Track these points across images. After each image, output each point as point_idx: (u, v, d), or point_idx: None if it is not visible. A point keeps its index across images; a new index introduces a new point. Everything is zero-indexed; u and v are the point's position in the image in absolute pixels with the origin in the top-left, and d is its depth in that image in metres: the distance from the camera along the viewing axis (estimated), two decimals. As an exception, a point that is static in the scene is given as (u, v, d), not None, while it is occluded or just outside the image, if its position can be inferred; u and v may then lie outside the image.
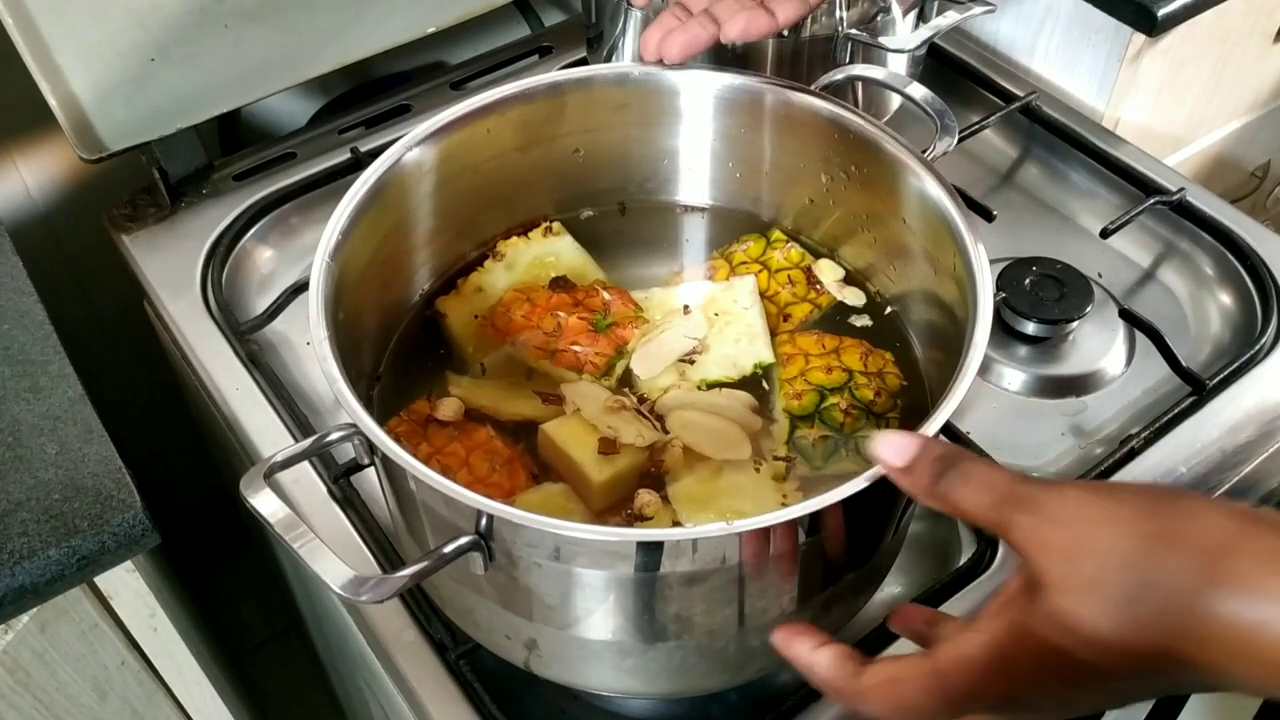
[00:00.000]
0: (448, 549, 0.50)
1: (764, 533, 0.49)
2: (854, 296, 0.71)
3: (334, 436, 0.54)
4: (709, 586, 0.51)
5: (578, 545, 0.50)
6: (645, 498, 0.61)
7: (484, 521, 0.50)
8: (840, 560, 0.56)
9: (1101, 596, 0.40)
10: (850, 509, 0.50)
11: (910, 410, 0.65)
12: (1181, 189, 0.92)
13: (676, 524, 0.60)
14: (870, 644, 0.66)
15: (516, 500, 0.61)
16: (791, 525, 0.49)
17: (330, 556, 0.49)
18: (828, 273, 0.72)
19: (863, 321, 0.71)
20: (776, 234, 0.74)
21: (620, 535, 0.51)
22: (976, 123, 0.99)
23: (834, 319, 0.71)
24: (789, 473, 0.63)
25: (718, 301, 0.71)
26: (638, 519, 0.60)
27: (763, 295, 0.71)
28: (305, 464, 0.75)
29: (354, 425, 0.52)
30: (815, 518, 0.50)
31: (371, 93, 1.09)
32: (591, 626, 0.55)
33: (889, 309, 0.71)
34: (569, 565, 0.51)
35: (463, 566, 0.52)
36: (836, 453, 0.63)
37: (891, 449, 0.48)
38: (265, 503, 0.51)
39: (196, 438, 1.06)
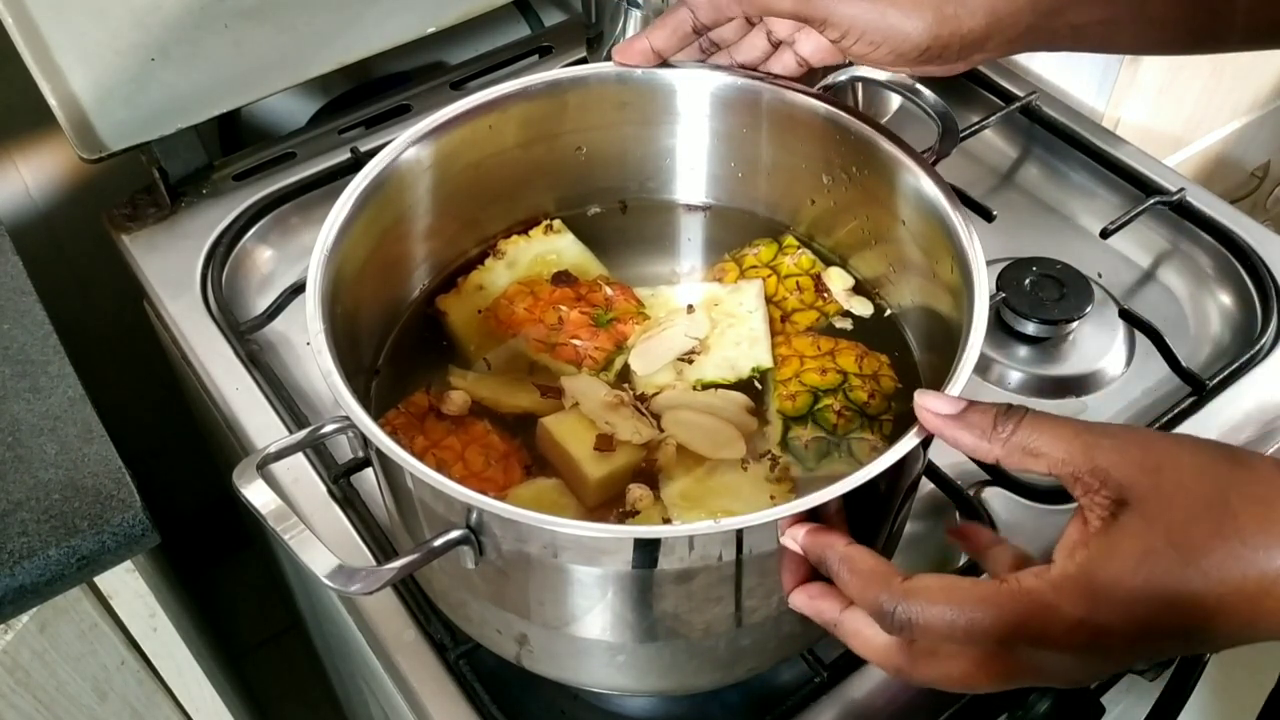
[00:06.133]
0: (437, 543, 0.50)
1: (752, 531, 0.49)
2: (861, 306, 0.71)
3: (328, 429, 0.54)
4: (698, 585, 0.51)
5: (567, 541, 0.50)
6: (637, 493, 0.61)
7: (473, 516, 0.50)
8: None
9: (1186, 499, 0.42)
10: (841, 508, 0.50)
11: (905, 414, 0.65)
12: (1181, 189, 0.92)
13: (666, 521, 0.60)
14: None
15: (508, 495, 0.61)
16: (779, 524, 0.49)
17: (320, 547, 0.49)
18: (837, 281, 0.72)
19: (844, 324, 0.70)
20: (789, 239, 0.74)
21: (609, 531, 0.50)
22: (976, 123, 0.99)
23: (831, 319, 0.71)
24: (781, 473, 0.63)
25: (724, 303, 0.71)
26: (630, 515, 0.60)
27: (770, 300, 0.71)
28: (306, 464, 0.75)
29: (348, 417, 0.52)
30: (805, 517, 0.50)
31: (371, 93, 1.09)
32: (581, 623, 0.55)
33: (888, 311, 0.71)
34: (558, 561, 0.51)
35: (455, 561, 0.52)
36: (830, 454, 0.63)
37: (938, 401, 0.49)
38: (257, 493, 0.51)
39: (196, 438, 1.06)
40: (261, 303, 0.88)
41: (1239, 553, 0.41)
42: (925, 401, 0.49)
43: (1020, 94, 1.01)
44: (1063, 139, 0.98)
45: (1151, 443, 0.44)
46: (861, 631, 0.49)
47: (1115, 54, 0.89)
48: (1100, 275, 0.89)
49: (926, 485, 0.74)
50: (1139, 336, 0.84)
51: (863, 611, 0.48)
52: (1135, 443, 0.44)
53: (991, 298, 0.83)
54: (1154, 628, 0.42)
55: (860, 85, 0.89)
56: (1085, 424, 0.46)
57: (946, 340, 0.60)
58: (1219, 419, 0.79)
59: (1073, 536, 0.44)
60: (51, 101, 0.85)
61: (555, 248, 0.74)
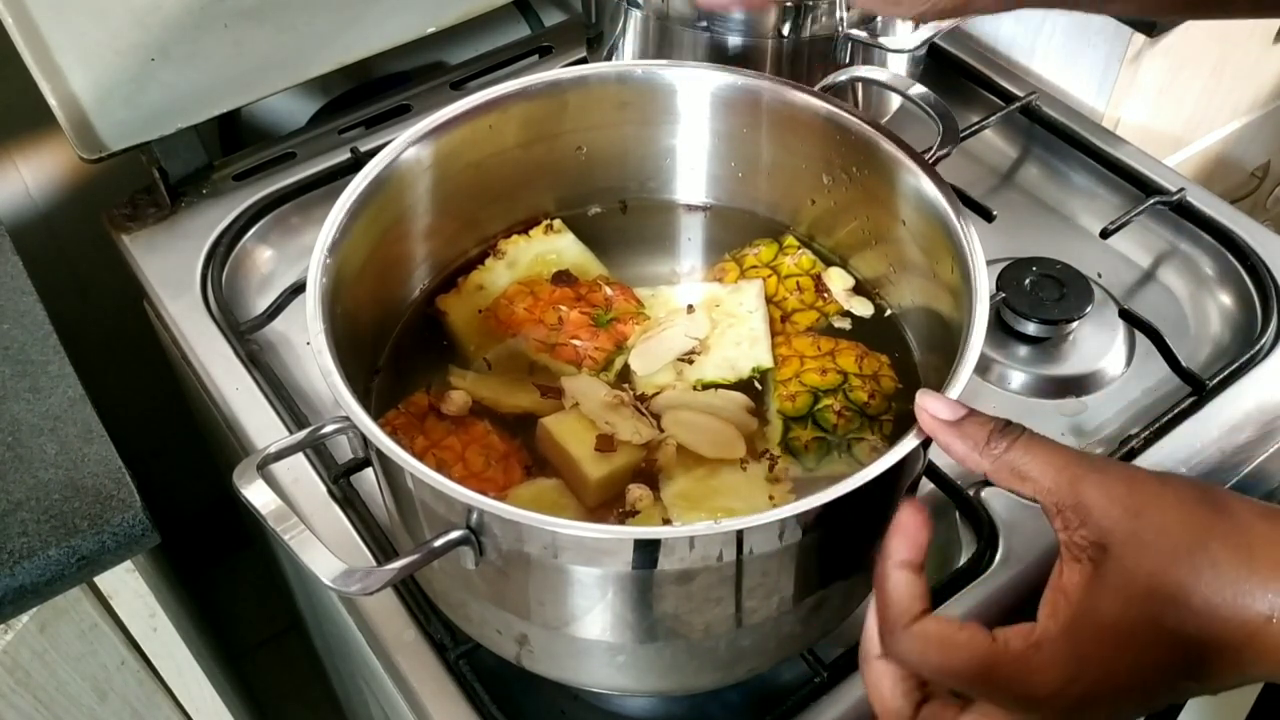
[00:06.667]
0: (437, 543, 0.50)
1: (752, 532, 0.49)
2: (861, 306, 0.71)
3: (328, 429, 0.54)
4: (698, 585, 0.51)
5: (568, 541, 0.50)
6: (637, 493, 0.61)
7: (474, 516, 0.50)
8: (832, 561, 0.56)
9: (1168, 544, 0.42)
10: (841, 509, 0.50)
11: (905, 414, 0.65)
12: (1181, 189, 0.92)
13: (666, 522, 0.60)
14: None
15: (508, 495, 0.61)
16: (779, 525, 0.49)
17: (320, 548, 0.49)
18: (837, 281, 0.72)
19: (844, 324, 0.70)
20: (789, 239, 0.74)
21: (609, 532, 0.50)
22: (976, 123, 0.99)
23: (831, 319, 0.71)
24: (781, 473, 0.62)
25: (724, 303, 0.71)
26: (630, 516, 0.60)
27: (770, 300, 0.71)
28: (306, 464, 0.75)
29: (348, 417, 0.52)
30: (805, 518, 0.50)
31: (371, 93, 1.09)
32: (581, 623, 0.55)
33: (888, 311, 0.71)
34: (558, 561, 0.51)
35: (455, 561, 0.52)
36: (830, 454, 0.63)
37: (939, 404, 0.49)
38: (257, 493, 0.51)
39: (196, 438, 1.06)
40: (261, 303, 0.88)
41: (1218, 602, 0.41)
42: (926, 403, 0.49)
43: (1020, 94, 1.01)
44: (1063, 139, 0.98)
45: (1137, 483, 0.44)
46: (880, 684, 0.49)
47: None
48: (1100, 275, 0.89)
49: (926, 485, 0.74)
50: (1139, 336, 0.84)
51: (889, 666, 0.49)
52: (1121, 481, 0.44)
53: (991, 298, 0.83)
54: (1139, 681, 0.42)
55: (860, 85, 0.89)
56: (1077, 455, 0.46)
57: (947, 340, 0.60)
58: (1219, 419, 0.79)
59: (1055, 588, 0.45)
60: (51, 101, 0.84)
61: (555, 248, 0.74)
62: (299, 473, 0.75)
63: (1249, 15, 0.64)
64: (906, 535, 0.49)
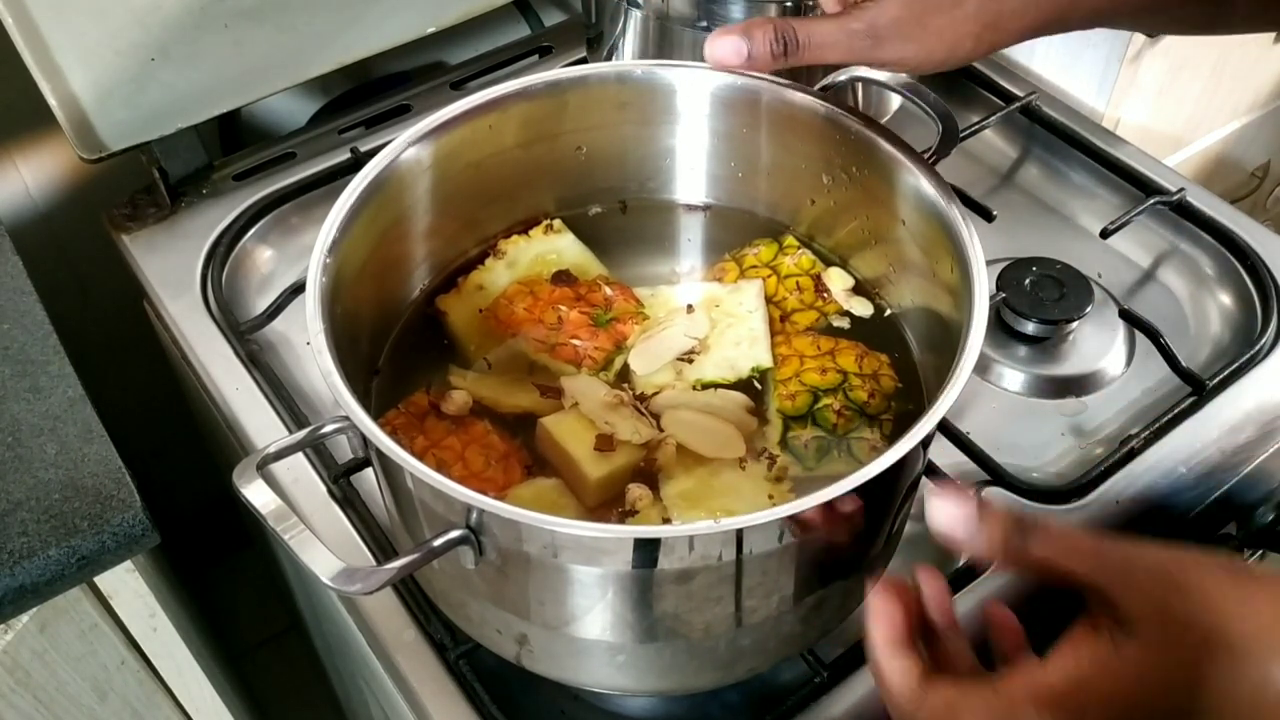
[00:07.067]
0: (437, 543, 0.50)
1: (752, 531, 0.49)
2: (861, 306, 0.71)
3: (328, 429, 0.54)
4: (698, 585, 0.51)
5: (567, 541, 0.50)
6: (636, 492, 0.61)
7: (473, 516, 0.50)
8: (832, 561, 0.56)
9: (1191, 638, 0.42)
10: (840, 508, 0.50)
11: (906, 413, 0.65)
12: (1181, 189, 0.92)
13: (666, 521, 0.60)
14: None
15: (508, 495, 0.61)
16: (779, 524, 0.49)
17: (320, 547, 0.49)
18: (837, 281, 0.72)
19: (842, 324, 0.70)
20: (789, 239, 0.74)
21: (609, 531, 0.50)
22: (976, 123, 0.99)
23: (830, 319, 0.71)
24: (780, 472, 0.62)
25: (724, 303, 0.71)
26: (629, 515, 0.60)
27: (770, 300, 0.71)
28: (306, 464, 0.75)
29: (348, 417, 0.52)
30: (804, 517, 0.50)
31: (371, 93, 1.09)
32: (581, 623, 0.55)
33: (888, 311, 0.71)
34: (558, 561, 0.51)
35: (455, 561, 0.52)
36: (829, 454, 0.63)
37: (953, 522, 0.48)
38: (257, 493, 0.51)
39: (196, 438, 1.06)
40: (261, 303, 0.88)
41: (1236, 690, 0.41)
42: (937, 506, 0.49)
43: (1020, 94, 1.01)
44: (1063, 139, 0.98)
45: (1164, 576, 0.44)
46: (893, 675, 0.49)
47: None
48: (1100, 275, 0.89)
49: (926, 485, 0.74)
50: (1139, 336, 0.84)
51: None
52: (1143, 570, 0.45)
53: (991, 298, 0.83)
54: None
55: (860, 85, 0.89)
56: (1098, 540, 0.46)
57: (946, 340, 0.60)
58: (1219, 419, 0.79)
59: (1071, 642, 0.45)
60: (51, 101, 0.85)
61: (555, 247, 0.74)
62: (299, 473, 0.75)
63: (1247, 31, 0.65)
64: (882, 618, 0.50)
